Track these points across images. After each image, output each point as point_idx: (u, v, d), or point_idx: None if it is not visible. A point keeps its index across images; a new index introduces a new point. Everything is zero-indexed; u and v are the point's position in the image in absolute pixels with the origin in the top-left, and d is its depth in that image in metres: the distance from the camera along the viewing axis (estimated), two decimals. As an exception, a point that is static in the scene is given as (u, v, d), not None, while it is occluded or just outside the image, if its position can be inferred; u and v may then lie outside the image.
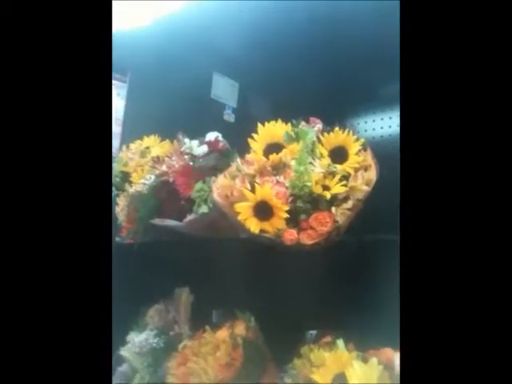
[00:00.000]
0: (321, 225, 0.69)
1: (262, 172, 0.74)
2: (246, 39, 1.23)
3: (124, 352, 0.91)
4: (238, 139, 1.00)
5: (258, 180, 0.73)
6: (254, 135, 0.77)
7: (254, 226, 0.71)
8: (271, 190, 0.70)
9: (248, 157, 0.77)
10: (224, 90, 1.32)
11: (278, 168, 0.74)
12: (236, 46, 1.25)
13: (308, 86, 1.21)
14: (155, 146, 1.04)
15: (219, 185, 0.77)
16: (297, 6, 1.11)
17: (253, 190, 0.72)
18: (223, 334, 0.83)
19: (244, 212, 0.71)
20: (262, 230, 0.72)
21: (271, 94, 1.32)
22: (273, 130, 0.76)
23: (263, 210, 0.71)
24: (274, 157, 0.74)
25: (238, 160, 0.77)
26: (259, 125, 0.77)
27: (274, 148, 0.76)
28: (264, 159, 0.74)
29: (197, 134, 1.00)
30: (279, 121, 0.77)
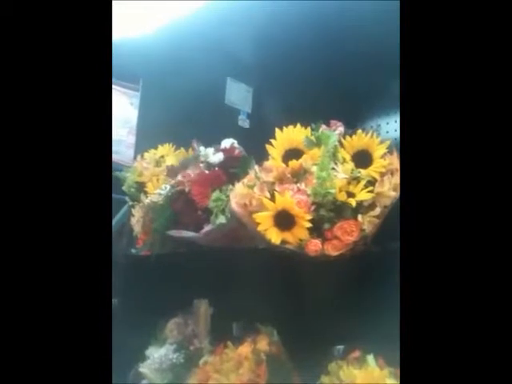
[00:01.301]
0: (346, 234, 0.65)
1: (281, 179, 0.71)
2: (258, 43, 1.20)
3: (143, 369, 0.88)
4: (254, 145, 0.97)
5: (277, 188, 0.70)
6: (272, 141, 0.73)
7: (274, 236, 0.68)
8: (292, 199, 0.67)
9: (266, 164, 0.74)
10: (238, 95, 1.29)
11: (299, 175, 0.70)
12: (249, 50, 1.23)
13: (323, 88, 1.18)
14: (170, 154, 1.02)
15: (237, 193, 0.74)
16: (310, 9, 1.08)
17: (273, 199, 0.68)
18: (245, 349, 0.79)
19: (264, 222, 0.68)
20: (283, 241, 0.68)
21: (285, 99, 1.28)
22: (291, 134, 0.73)
23: (284, 220, 0.68)
24: (293, 163, 0.70)
25: (256, 167, 0.74)
26: (277, 130, 0.73)
27: (293, 154, 0.73)
28: (283, 166, 0.71)
29: (211, 141, 0.97)
30: (298, 125, 0.73)
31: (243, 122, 1.29)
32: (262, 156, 0.83)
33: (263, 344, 0.81)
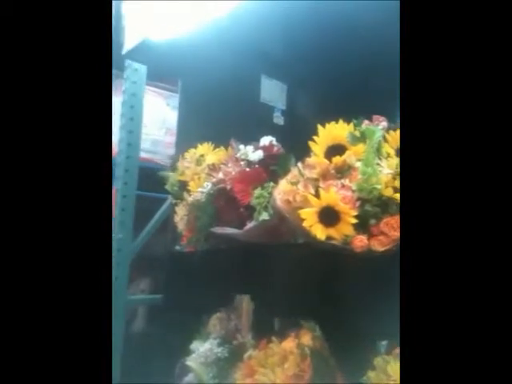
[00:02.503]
0: (393, 230, 0.65)
1: (325, 176, 0.71)
2: (291, 39, 1.20)
3: (190, 362, 0.91)
4: (289, 142, 0.98)
5: (321, 184, 0.70)
6: (315, 137, 0.73)
7: (319, 232, 0.68)
8: (337, 195, 0.67)
9: (309, 160, 0.74)
10: (272, 92, 1.30)
11: (343, 171, 0.71)
12: (282, 46, 1.23)
13: (359, 84, 1.17)
14: (209, 153, 1.04)
15: (281, 190, 0.75)
16: (344, 5, 1.07)
17: (317, 195, 0.69)
18: (290, 344, 0.80)
19: (309, 218, 0.69)
20: (328, 237, 0.69)
21: (320, 94, 1.28)
22: (334, 130, 0.73)
23: (329, 216, 0.68)
24: (337, 159, 0.70)
25: (299, 164, 0.75)
26: (319, 126, 0.74)
27: (335, 150, 0.73)
28: (327, 162, 0.71)
29: (248, 138, 0.99)
30: (340, 121, 0.73)
31: (278, 119, 1.29)
32: (297, 152, 0.84)
33: (307, 339, 0.82)
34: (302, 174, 0.73)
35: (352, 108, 0.80)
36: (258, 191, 0.84)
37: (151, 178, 1.21)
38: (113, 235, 1.22)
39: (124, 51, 1.02)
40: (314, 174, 0.71)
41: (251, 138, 0.98)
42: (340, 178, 0.70)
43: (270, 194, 0.82)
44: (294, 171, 0.75)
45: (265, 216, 0.81)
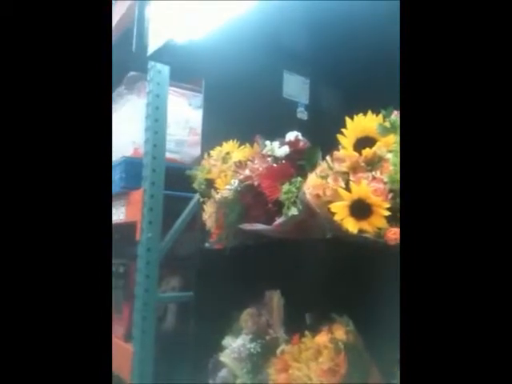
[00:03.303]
0: (427, 221, 0.64)
1: (354, 168, 0.71)
2: (312, 33, 1.19)
3: (223, 358, 0.92)
4: (314, 136, 0.97)
5: (351, 177, 0.70)
6: (343, 130, 0.73)
7: (351, 225, 0.68)
8: (368, 187, 0.66)
9: (337, 153, 0.74)
10: (295, 87, 1.29)
11: (373, 163, 0.70)
12: (303, 41, 1.22)
13: (383, 75, 1.15)
14: (235, 150, 1.05)
15: (310, 185, 0.74)
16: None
17: (348, 189, 0.68)
18: (323, 338, 0.80)
19: (340, 212, 0.68)
20: (360, 230, 0.68)
21: (342, 87, 1.27)
22: (363, 122, 0.72)
23: (361, 209, 0.67)
24: (367, 151, 0.70)
25: (328, 158, 0.74)
26: (347, 119, 0.73)
27: (364, 142, 0.72)
28: (356, 155, 0.71)
29: (272, 134, 0.99)
30: (369, 113, 0.72)
31: (301, 114, 1.29)
32: (321, 146, 0.84)
33: (340, 333, 0.82)
34: (331, 168, 0.72)
35: (377, 99, 0.79)
36: (286, 186, 0.84)
37: (176, 177, 1.23)
38: (142, 235, 1.24)
39: (148, 53, 1.04)
40: (343, 167, 0.71)
41: (275, 134, 0.98)
42: (370, 171, 0.69)
43: (298, 188, 0.82)
44: (322, 165, 0.75)
45: (294, 211, 0.81)
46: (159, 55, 1.05)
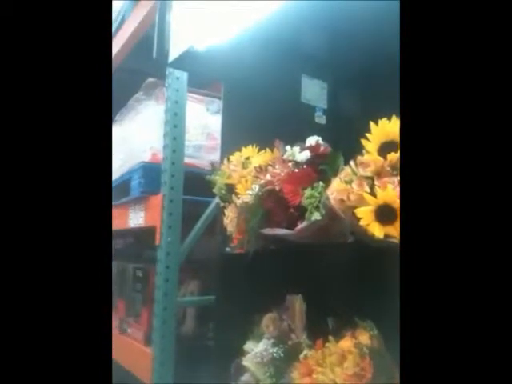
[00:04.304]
0: (455, 225, 0.63)
1: (379, 173, 0.70)
2: (331, 37, 1.20)
3: (246, 362, 0.92)
4: (333, 140, 0.97)
5: (376, 182, 0.70)
6: (368, 135, 0.73)
7: (377, 230, 0.68)
8: (394, 192, 0.66)
9: (361, 158, 0.74)
10: (313, 92, 1.30)
11: (398, 167, 0.70)
12: (322, 45, 1.23)
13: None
14: (254, 155, 1.05)
15: (334, 190, 0.74)
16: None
17: (372, 193, 0.68)
18: (347, 343, 0.80)
19: (366, 217, 0.68)
20: (386, 235, 0.68)
21: (360, 92, 1.27)
22: (387, 127, 0.72)
23: (387, 214, 0.67)
24: (392, 156, 0.70)
25: (352, 162, 0.74)
26: (372, 124, 0.73)
27: (389, 146, 0.72)
28: (381, 159, 0.71)
29: (291, 139, 0.99)
30: (393, 117, 0.72)
31: (320, 119, 1.29)
32: (344, 150, 0.84)
33: (364, 338, 0.82)
34: (355, 173, 0.72)
35: (396, 103, 0.79)
36: (308, 191, 0.84)
37: (195, 182, 1.24)
38: (162, 239, 1.25)
39: (169, 60, 1.05)
40: (368, 171, 0.71)
41: (294, 139, 0.98)
42: (396, 175, 0.69)
43: (320, 193, 0.82)
44: (346, 170, 0.75)
45: (316, 216, 0.81)
46: (180, 62, 1.07)
